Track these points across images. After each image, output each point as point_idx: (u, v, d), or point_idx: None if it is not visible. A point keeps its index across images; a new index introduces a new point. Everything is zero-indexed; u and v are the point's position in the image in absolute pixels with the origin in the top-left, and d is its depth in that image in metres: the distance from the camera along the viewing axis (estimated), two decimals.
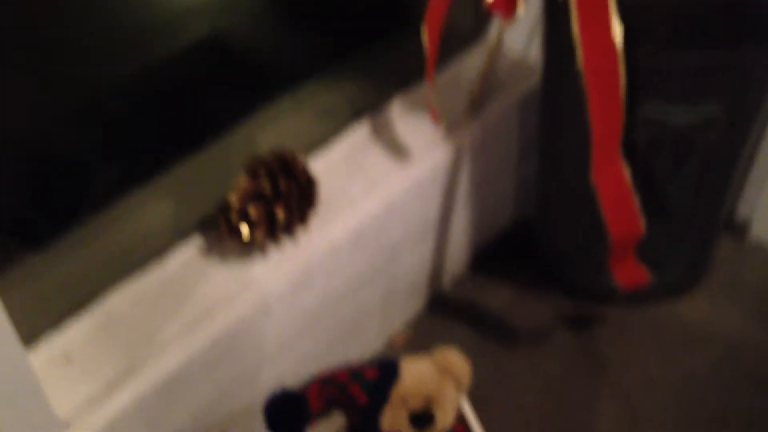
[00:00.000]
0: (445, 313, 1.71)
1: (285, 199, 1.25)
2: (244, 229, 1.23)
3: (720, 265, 1.76)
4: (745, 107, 1.40)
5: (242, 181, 1.26)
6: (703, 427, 1.46)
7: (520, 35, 1.67)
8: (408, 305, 1.67)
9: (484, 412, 1.27)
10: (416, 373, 1.11)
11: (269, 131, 1.41)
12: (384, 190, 1.41)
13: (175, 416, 1.18)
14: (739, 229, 1.81)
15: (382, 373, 1.11)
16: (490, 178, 1.70)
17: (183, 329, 1.18)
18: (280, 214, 1.25)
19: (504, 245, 1.86)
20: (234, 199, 1.24)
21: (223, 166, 1.33)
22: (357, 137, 1.52)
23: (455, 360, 1.14)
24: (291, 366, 1.35)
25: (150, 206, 1.27)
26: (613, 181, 1.31)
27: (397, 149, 1.50)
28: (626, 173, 1.30)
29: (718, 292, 1.72)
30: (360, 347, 1.55)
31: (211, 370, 1.20)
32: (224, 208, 1.25)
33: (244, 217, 1.23)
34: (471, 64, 1.69)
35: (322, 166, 1.43)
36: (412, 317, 1.69)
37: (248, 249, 1.29)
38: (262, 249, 1.29)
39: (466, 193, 1.63)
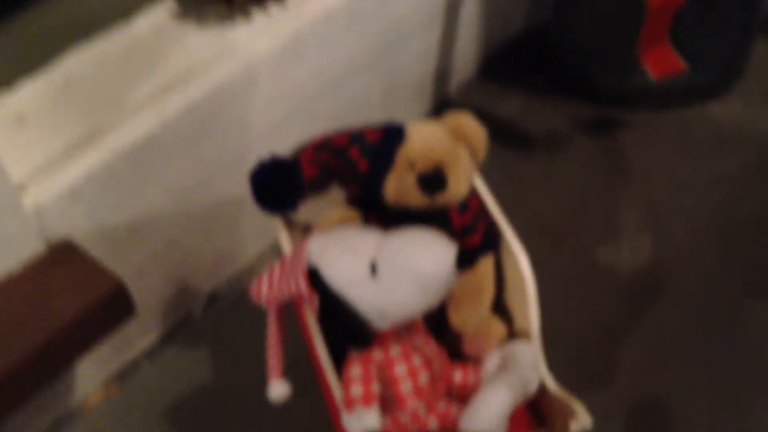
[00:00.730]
0: None
1: None
2: None
3: (755, 68, 1.61)
4: None
5: None
6: (733, 230, 1.34)
7: None
8: (412, 106, 1.51)
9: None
10: (426, 136, 0.95)
11: None
12: None
13: (148, 190, 1.04)
14: None
15: (385, 135, 0.95)
16: None
17: (155, 94, 1.02)
18: None
19: (516, 51, 1.70)
20: None
21: None
22: None
23: (470, 125, 0.98)
24: (282, 151, 1.19)
25: None
26: None
27: None
28: None
29: (752, 94, 1.57)
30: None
31: (188, 143, 1.05)
32: None
33: None
34: None
35: None
36: (416, 119, 1.53)
37: (230, 12, 1.11)
38: (245, 12, 1.12)
39: None
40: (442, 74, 1.54)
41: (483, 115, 1.52)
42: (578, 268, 1.29)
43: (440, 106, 1.58)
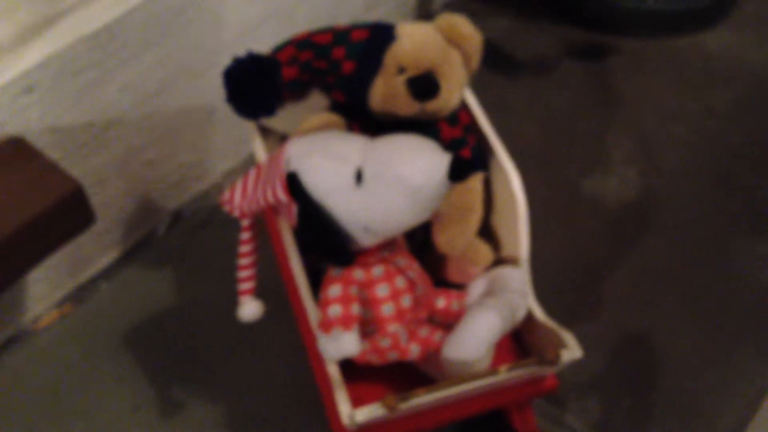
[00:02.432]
0: None
1: None
2: None
3: None
4: None
5: None
6: (723, 161, 1.29)
7: None
8: (394, 20, 1.42)
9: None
10: (418, 37, 0.87)
11: None
12: None
13: (108, 88, 0.94)
14: None
15: (373, 35, 0.87)
16: None
17: None
18: None
19: None
20: None
21: None
22: None
23: (465, 28, 0.90)
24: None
25: None
26: None
27: None
28: None
29: (746, 24, 1.51)
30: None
31: (154, 37, 0.96)
32: None
33: None
34: None
35: None
36: None
37: None
38: None
39: None
40: None
41: None
42: (564, 198, 1.24)
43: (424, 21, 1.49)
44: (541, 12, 1.53)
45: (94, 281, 1.10)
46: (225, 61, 0.85)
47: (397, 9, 1.39)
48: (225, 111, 0.86)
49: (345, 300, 0.78)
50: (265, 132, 0.98)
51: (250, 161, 0.93)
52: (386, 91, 0.85)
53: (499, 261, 0.95)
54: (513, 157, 0.93)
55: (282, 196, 0.76)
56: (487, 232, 0.96)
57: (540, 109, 1.37)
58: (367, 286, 0.81)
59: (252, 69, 0.85)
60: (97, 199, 1.01)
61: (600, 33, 1.48)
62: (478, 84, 0.99)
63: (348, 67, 0.86)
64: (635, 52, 1.45)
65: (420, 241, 0.93)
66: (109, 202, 1.05)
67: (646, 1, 1.27)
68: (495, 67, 1.44)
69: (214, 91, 0.86)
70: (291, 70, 0.87)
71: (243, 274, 0.85)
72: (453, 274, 0.93)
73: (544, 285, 0.95)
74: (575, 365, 0.83)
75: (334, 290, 0.79)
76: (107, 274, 1.11)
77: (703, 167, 1.28)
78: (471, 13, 1.51)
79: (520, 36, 1.49)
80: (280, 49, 0.88)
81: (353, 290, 0.79)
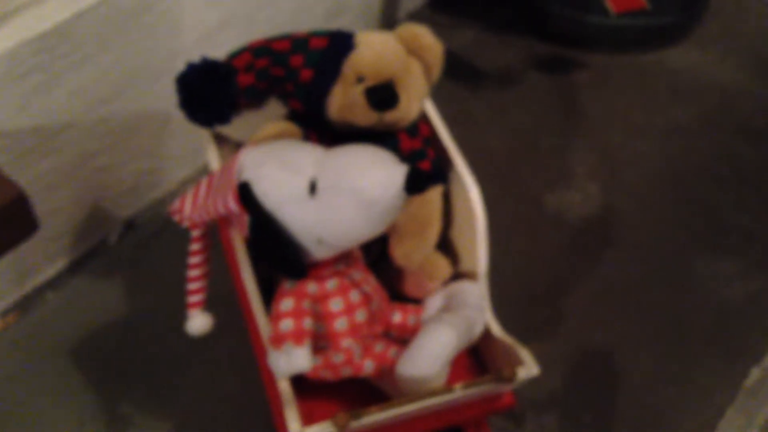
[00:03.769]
0: None
1: None
2: None
3: (714, 14, 1.56)
4: None
5: None
6: (689, 176, 1.28)
7: None
8: (358, 27, 1.40)
9: None
10: (377, 46, 0.85)
11: None
12: None
13: (58, 92, 0.91)
14: None
15: (332, 43, 0.85)
16: None
17: None
18: None
19: None
20: None
21: None
22: None
23: (426, 38, 0.88)
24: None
25: None
26: None
27: None
28: None
29: (710, 41, 1.52)
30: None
31: (107, 40, 0.93)
32: None
33: None
34: None
35: None
36: None
37: None
38: None
39: None
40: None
41: None
42: (526, 213, 1.22)
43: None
44: (508, 25, 1.53)
45: (40, 291, 1.07)
46: (182, 65, 0.83)
47: (360, 17, 1.38)
48: (182, 117, 0.84)
49: (297, 314, 0.75)
50: (221, 140, 0.96)
51: (208, 169, 0.90)
52: (344, 100, 0.83)
53: (458, 275, 0.93)
54: (475, 170, 0.92)
55: (233, 206, 0.73)
56: (445, 246, 0.94)
57: (504, 123, 1.36)
58: (320, 299, 0.79)
59: (206, 75, 0.83)
60: (44, 206, 0.98)
61: (566, 47, 1.48)
62: (441, 96, 0.98)
63: (306, 75, 0.84)
64: (600, 68, 1.45)
65: (376, 254, 0.91)
66: (58, 210, 1.02)
67: (610, 17, 1.27)
68: (459, 79, 1.43)
69: (171, 96, 0.83)
70: (247, 77, 0.85)
71: (192, 286, 0.82)
72: (410, 288, 0.91)
73: (504, 299, 0.94)
74: (534, 381, 0.82)
75: (286, 304, 0.76)
76: (54, 283, 1.08)
77: (665, 183, 1.28)
78: (436, 24, 1.50)
79: (485, 48, 1.48)
80: (236, 55, 0.85)
81: (306, 304, 0.77)
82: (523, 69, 1.45)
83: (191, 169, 1.20)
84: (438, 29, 1.54)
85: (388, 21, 1.47)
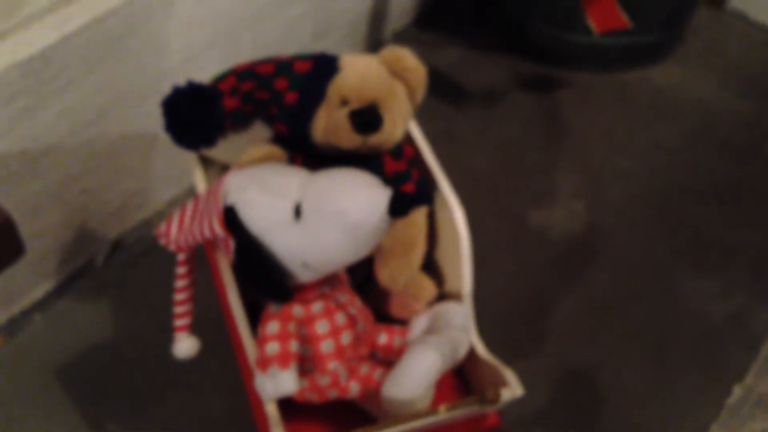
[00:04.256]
0: None
1: None
2: None
3: (696, 33, 1.58)
4: None
5: None
6: (672, 193, 1.30)
7: None
8: (343, 50, 1.41)
9: None
10: (361, 69, 0.86)
11: None
12: None
13: (45, 114, 0.91)
14: None
15: (317, 66, 0.86)
16: None
17: (56, 2, 0.90)
18: None
19: (456, 1, 1.62)
20: None
21: None
22: None
23: (410, 61, 0.89)
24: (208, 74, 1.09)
25: None
26: None
27: None
28: None
29: (692, 59, 1.53)
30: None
31: (93, 63, 0.93)
32: None
33: None
34: None
35: None
36: None
37: None
38: None
39: None
40: (377, 17, 1.45)
41: None
42: (511, 230, 1.23)
43: (373, 52, 1.48)
44: (493, 43, 1.54)
45: (27, 313, 1.06)
46: (167, 87, 0.83)
47: (346, 37, 1.39)
48: (167, 138, 0.84)
49: (283, 337, 0.76)
50: (207, 161, 0.96)
51: (195, 190, 0.91)
52: (329, 123, 0.84)
53: (443, 295, 0.94)
54: (459, 188, 0.93)
55: (219, 230, 0.74)
56: (430, 266, 0.95)
57: (489, 140, 1.37)
58: (306, 322, 0.80)
59: (192, 99, 0.83)
60: (30, 228, 0.98)
61: (550, 66, 1.49)
62: (427, 114, 0.99)
63: (290, 98, 0.85)
64: (584, 86, 1.47)
65: (362, 276, 0.92)
66: (44, 232, 1.02)
67: (592, 35, 1.28)
68: (445, 97, 1.44)
69: (157, 117, 0.84)
70: (232, 100, 0.86)
71: (179, 309, 0.83)
72: (396, 309, 0.92)
73: (489, 318, 0.95)
74: (519, 399, 0.82)
75: (272, 327, 0.77)
76: (42, 305, 1.07)
77: (648, 200, 1.29)
78: (422, 43, 1.53)
79: (471, 67, 1.50)
80: (221, 78, 0.86)
81: (292, 327, 0.78)
82: (508, 87, 1.47)
83: (178, 189, 1.20)
84: (424, 48, 1.56)
85: (374, 41, 1.48)
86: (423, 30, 1.57)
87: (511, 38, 1.53)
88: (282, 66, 0.86)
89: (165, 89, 0.84)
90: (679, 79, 1.49)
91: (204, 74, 0.93)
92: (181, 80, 0.84)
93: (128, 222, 1.16)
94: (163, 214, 1.19)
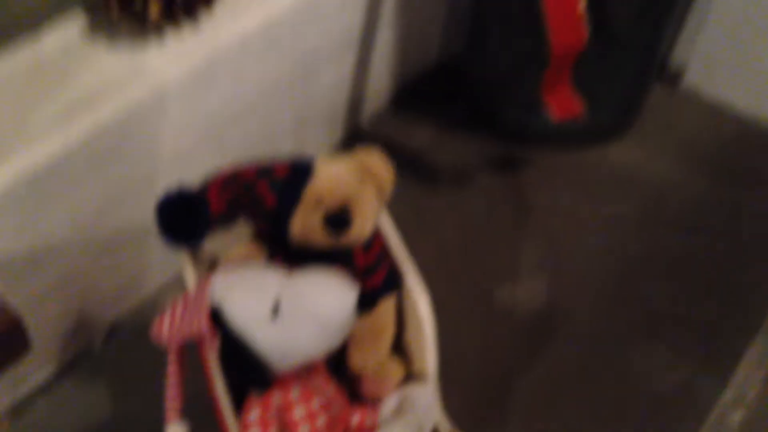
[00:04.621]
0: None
1: None
2: (138, 7, 1.05)
3: (652, 111, 1.68)
4: None
5: None
6: (627, 268, 1.39)
7: None
8: (324, 136, 1.53)
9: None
10: (333, 173, 0.96)
11: None
12: None
13: (50, 217, 1.01)
14: (672, 76, 1.74)
15: (293, 171, 0.96)
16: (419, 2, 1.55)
17: (60, 116, 1.00)
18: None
19: (429, 83, 1.73)
20: None
21: None
22: None
23: (378, 163, 0.99)
24: (193, 175, 1.18)
25: None
26: None
27: None
28: None
29: (649, 137, 1.64)
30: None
31: (94, 169, 1.03)
32: None
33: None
34: None
35: None
36: (327, 150, 1.55)
37: (142, 31, 1.10)
38: (158, 32, 1.11)
39: (393, 12, 1.48)
40: (355, 104, 1.56)
41: (393, 147, 1.56)
42: (476, 306, 1.32)
43: (352, 136, 1.60)
44: (463, 124, 1.64)
45: (30, 397, 1.14)
46: (161, 184, 0.94)
47: (325, 126, 1.49)
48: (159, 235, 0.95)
49: (263, 424, 0.85)
50: (195, 254, 1.06)
51: (183, 278, 1.00)
52: (304, 224, 0.93)
53: (412, 375, 1.03)
54: (427, 268, 1.01)
55: (206, 327, 0.83)
56: (399, 347, 1.04)
57: (457, 218, 1.47)
58: (285, 409, 0.88)
59: (181, 205, 0.93)
60: (33, 319, 1.03)
61: (516, 146, 1.60)
62: (401, 192, 1.07)
63: (270, 200, 0.95)
64: (547, 165, 1.57)
65: (336, 359, 1.01)
66: (46, 321, 1.11)
67: (553, 121, 1.39)
68: (417, 176, 1.54)
69: (150, 212, 0.93)
70: (218, 204, 0.95)
71: (169, 399, 0.91)
72: (368, 389, 1.00)
73: (454, 392, 1.03)
74: None
75: (253, 415, 0.86)
76: (44, 389, 1.15)
77: (606, 275, 1.38)
78: (396, 126, 1.64)
79: (442, 147, 1.60)
80: (208, 184, 0.96)
81: (272, 414, 0.87)
82: (476, 167, 1.57)
83: (169, 275, 1.29)
84: (398, 129, 1.67)
85: (352, 125, 1.59)
86: (398, 111, 1.67)
87: (479, 119, 1.64)
88: (262, 171, 0.96)
89: (158, 185, 0.94)
90: (636, 157, 1.60)
91: (194, 169, 1.04)
92: (173, 176, 0.93)
93: (123, 306, 1.25)
94: (155, 299, 1.28)
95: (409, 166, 1.56)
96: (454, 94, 1.70)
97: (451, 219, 1.47)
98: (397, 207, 1.07)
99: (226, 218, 0.99)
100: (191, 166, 1.18)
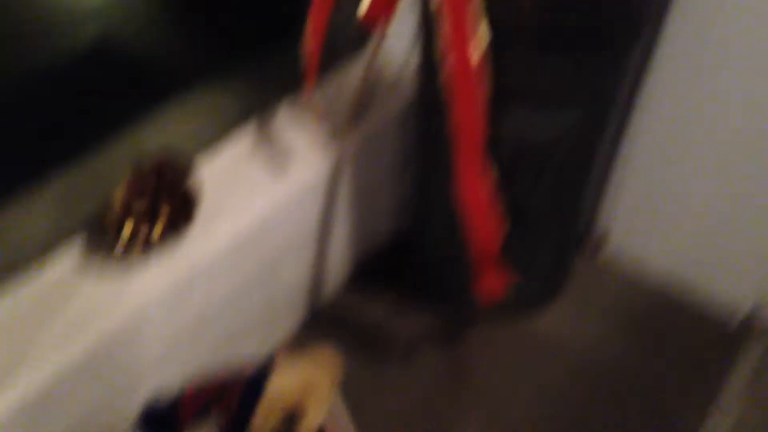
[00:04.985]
0: (323, 327, 1.75)
1: (161, 216, 1.29)
2: (122, 238, 1.25)
3: (577, 279, 1.82)
4: (602, 113, 1.44)
5: (121, 194, 1.30)
6: None
7: (402, 47, 1.62)
8: (288, 318, 1.69)
9: (358, 416, 1.31)
10: (285, 380, 1.15)
11: (154, 136, 1.41)
12: (264, 200, 1.43)
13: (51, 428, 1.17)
14: (595, 244, 1.88)
15: (253, 379, 1.15)
16: (371, 190, 1.72)
17: (56, 342, 1.17)
18: (156, 229, 1.28)
19: (383, 259, 1.89)
20: (112, 215, 1.28)
21: (103, 176, 1.34)
22: (241, 144, 1.53)
23: (328, 359, 1.20)
24: (173, 375, 1.36)
25: (31, 213, 1.26)
26: (476, 192, 1.28)
27: (279, 158, 1.51)
28: (489, 184, 1.27)
29: (574, 306, 1.77)
30: (242, 358, 1.56)
31: (87, 382, 1.20)
32: (102, 223, 1.28)
33: (120, 230, 1.26)
34: (355, 74, 1.71)
35: (204, 173, 1.45)
36: (292, 330, 1.71)
37: (125, 262, 1.29)
38: (138, 261, 1.30)
39: (347, 205, 1.64)
40: (316, 287, 1.72)
41: (351, 324, 1.74)
42: None
43: (314, 314, 1.76)
44: (412, 298, 1.79)
45: None
46: (149, 380, 1.16)
47: (291, 309, 1.66)
48: None
49: None
50: None
51: None
52: (264, 425, 1.12)
53: None
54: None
55: None
56: None
57: (408, 390, 1.60)
58: None
59: (157, 425, 1.11)
60: None
61: (457, 318, 1.75)
62: (357, 367, 1.18)
63: (233, 407, 1.13)
64: (482, 336, 1.71)
65: None
66: None
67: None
68: (372, 352, 1.68)
69: (132, 418, 1.10)
70: (188, 416, 1.14)
71: None
72: None
73: None
74: None
75: None
76: None
77: None
78: (355, 300, 1.79)
79: (393, 322, 1.74)
80: (178, 401, 1.15)
81: None
82: (422, 340, 1.71)
83: None
84: (356, 305, 1.80)
85: (313, 306, 1.75)
86: (356, 287, 1.83)
87: (425, 294, 1.80)
88: (227, 383, 1.15)
89: (148, 383, 1.16)
90: (563, 326, 1.73)
91: (176, 365, 1.24)
92: (159, 375, 1.15)
93: None
94: None
95: (365, 341, 1.71)
96: (403, 272, 1.84)
97: (400, 391, 1.61)
98: (353, 379, 1.21)
99: (196, 425, 1.16)
100: (172, 365, 1.35)
